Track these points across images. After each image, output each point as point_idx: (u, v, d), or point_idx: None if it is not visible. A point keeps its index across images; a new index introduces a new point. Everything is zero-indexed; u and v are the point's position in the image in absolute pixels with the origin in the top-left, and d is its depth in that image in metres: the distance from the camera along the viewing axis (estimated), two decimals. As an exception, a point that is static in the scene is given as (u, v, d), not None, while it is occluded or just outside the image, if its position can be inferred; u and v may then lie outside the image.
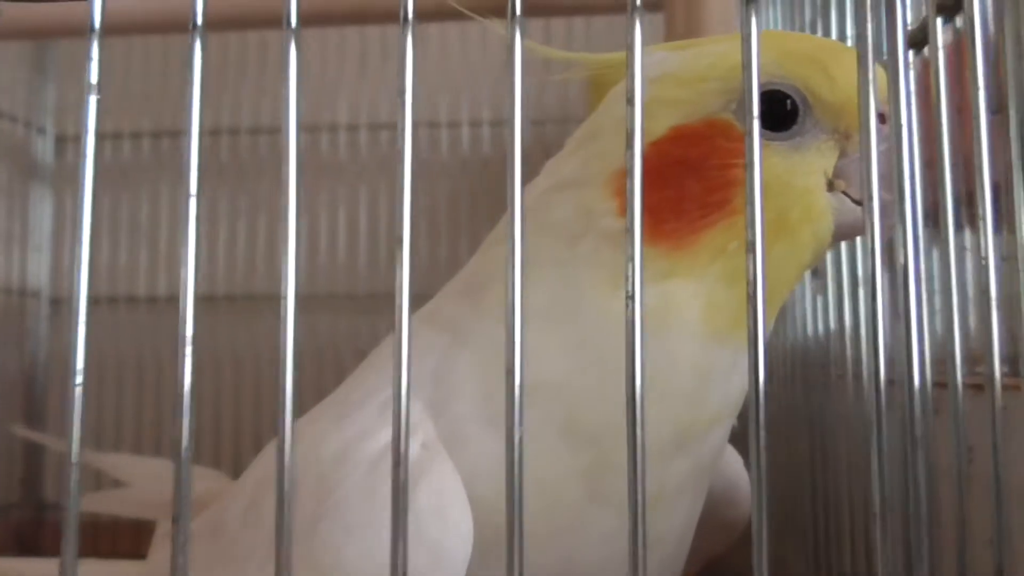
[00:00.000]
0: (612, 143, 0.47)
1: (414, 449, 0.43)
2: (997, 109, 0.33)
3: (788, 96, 0.45)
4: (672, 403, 0.44)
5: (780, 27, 0.75)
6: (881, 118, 0.43)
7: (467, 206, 1.43)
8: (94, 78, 0.34)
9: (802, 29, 0.65)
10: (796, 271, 0.47)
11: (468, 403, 0.45)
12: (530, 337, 0.31)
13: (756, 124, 0.30)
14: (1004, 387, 0.32)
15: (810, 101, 0.45)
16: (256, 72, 1.46)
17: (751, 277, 0.30)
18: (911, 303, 0.31)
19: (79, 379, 0.33)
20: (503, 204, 0.32)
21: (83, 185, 0.34)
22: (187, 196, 0.34)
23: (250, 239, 1.44)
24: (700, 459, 0.47)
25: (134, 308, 1.43)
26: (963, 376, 0.35)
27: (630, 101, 0.32)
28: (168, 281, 1.43)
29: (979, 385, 0.34)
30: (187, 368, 0.33)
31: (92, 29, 0.35)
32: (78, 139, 1.47)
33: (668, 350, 0.44)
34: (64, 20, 1.00)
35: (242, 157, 1.46)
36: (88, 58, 0.35)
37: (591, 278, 0.45)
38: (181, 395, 0.33)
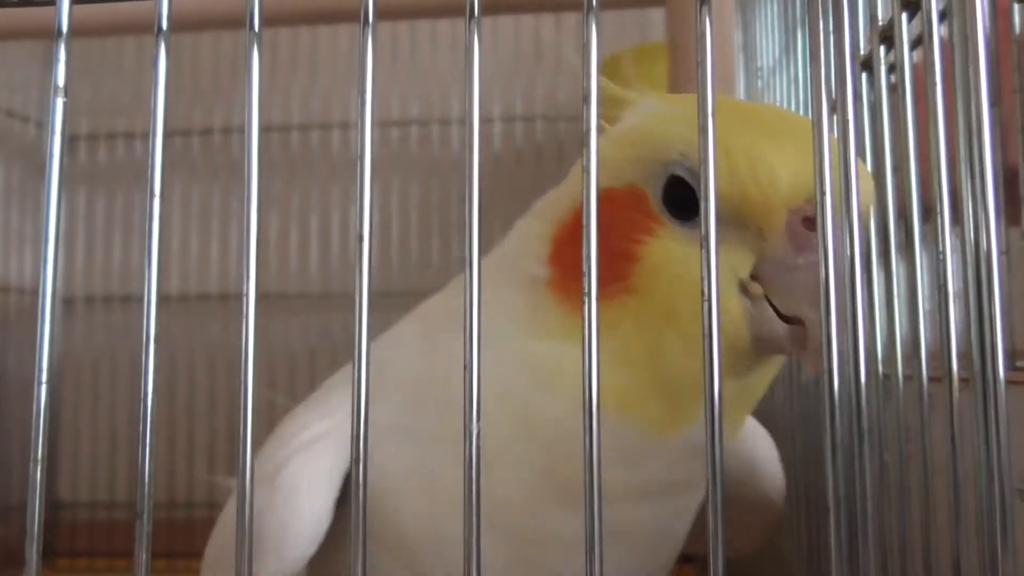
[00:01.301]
0: (577, 184, 0.46)
1: (318, 430, 0.47)
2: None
3: (688, 182, 0.41)
4: (545, 454, 0.44)
5: (775, 26, 0.74)
6: (809, 223, 0.39)
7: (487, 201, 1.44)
8: (61, 80, 0.35)
9: (793, 28, 0.65)
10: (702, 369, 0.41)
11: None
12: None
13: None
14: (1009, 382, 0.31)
15: None
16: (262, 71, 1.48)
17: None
18: (859, 301, 0.31)
19: (44, 377, 0.33)
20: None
21: (49, 186, 0.35)
22: (151, 196, 0.34)
23: (261, 238, 1.45)
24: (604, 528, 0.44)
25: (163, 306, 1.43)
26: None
27: (586, 100, 0.32)
28: (181, 280, 1.44)
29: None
30: (150, 368, 0.33)
31: (59, 32, 0.35)
32: (90, 138, 1.50)
33: (552, 407, 0.43)
34: (76, 20, 1.00)
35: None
36: (55, 60, 0.35)
37: (499, 316, 0.43)
38: (145, 395, 0.33)
